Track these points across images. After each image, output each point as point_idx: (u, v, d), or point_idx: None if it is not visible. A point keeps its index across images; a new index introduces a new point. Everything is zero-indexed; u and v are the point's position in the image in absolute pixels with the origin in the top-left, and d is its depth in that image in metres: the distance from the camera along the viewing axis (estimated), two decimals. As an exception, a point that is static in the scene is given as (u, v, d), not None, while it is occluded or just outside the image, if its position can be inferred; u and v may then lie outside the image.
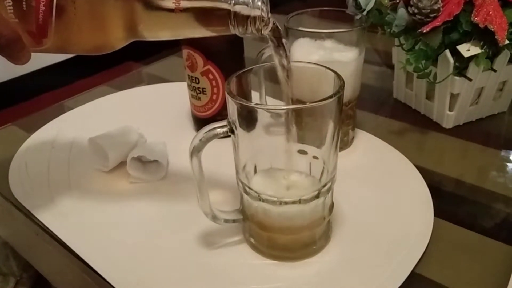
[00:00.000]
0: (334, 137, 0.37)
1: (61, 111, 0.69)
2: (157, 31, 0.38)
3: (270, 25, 0.36)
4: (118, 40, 0.37)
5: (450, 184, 0.51)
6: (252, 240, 0.42)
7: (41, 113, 0.69)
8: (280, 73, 0.38)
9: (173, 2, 0.35)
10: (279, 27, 0.37)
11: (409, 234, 0.43)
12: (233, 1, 0.35)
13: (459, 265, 0.40)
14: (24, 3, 0.34)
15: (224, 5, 0.35)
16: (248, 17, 0.35)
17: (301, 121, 0.37)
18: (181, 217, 0.46)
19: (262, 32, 0.36)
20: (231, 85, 0.36)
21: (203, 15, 0.36)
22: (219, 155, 0.41)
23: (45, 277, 0.56)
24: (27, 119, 0.69)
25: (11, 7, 0.34)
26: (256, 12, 0.35)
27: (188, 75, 0.56)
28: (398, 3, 0.55)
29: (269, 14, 0.36)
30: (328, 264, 0.40)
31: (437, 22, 0.51)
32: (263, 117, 0.36)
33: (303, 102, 0.38)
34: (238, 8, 0.35)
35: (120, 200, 0.49)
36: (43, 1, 0.34)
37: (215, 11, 0.35)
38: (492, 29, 0.50)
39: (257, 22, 0.35)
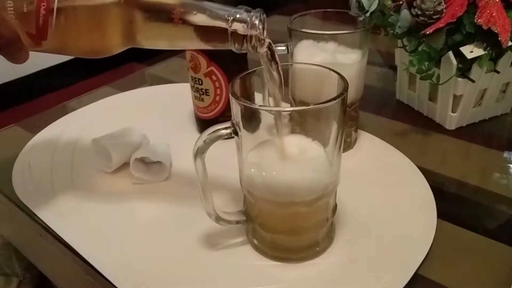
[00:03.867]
0: (337, 138, 0.37)
1: (65, 112, 0.69)
2: (155, 41, 0.38)
3: (266, 43, 0.36)
4: (116, 46, 0.38)
5: (453, 186, 0.51)
6: (255, 241, 0.42)
7: (44, 114, 0.70)
8: (272, 88, 0.39)
9: (172, 15, 0.35)
10: (272, 46, 0.37)
11: (412, 235, 0.43)
12: (231, 18, 0.35)
13: (462, 267, 0.40)
14: (24, 5, 0.35)
15: (223, 23, 0.35)
16: (245, 34, 0.35)
17: (305, 122, 0.37)
18: (184, 218, 0.46)
19: (257, 50, 0.37)
20: (235, 86, 0.36)
21: (201, 30, 0.36)
22: (223, 156, 0.41)
23: (48, 278, 0.56)
24: (30, 120, 0.69)
25: (12, 8, 0.35)
26: (253, 32, 0.35)
27: (191, 76, 0.56)
28: (401, 4, 0.55)
29: (265, 33, 0.36)
30: (331, 266, 0.40)
31: (440, 24, 0.51)
32: (266, 118, 0.36)
33: (307, 104, 0.38)
34: (236, 26, 0.35)
35: (123, 201, 0.49)
36: (44, 5, 0.35)
37: (213, 26, 0.36)
38: (496, 31, 0.50)
39: (253, 40, 0.36)
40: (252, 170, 0.38)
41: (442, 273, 0.39)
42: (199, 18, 0.36)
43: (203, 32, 0.36)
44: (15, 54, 0.36)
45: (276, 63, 0.38)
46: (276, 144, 0.38)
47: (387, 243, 0.42)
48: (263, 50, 0.37)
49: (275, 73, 0.38)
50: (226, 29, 0.35)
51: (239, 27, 0.35)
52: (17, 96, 2.07)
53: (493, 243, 0.42)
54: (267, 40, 0.36)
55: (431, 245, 0.41)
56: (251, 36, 0.35)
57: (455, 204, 0.48)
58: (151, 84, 0.78)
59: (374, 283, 0.38)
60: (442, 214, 0.45)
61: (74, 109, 0.69)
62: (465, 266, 0.40)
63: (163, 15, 0.36)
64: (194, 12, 0.35)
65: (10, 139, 0.64)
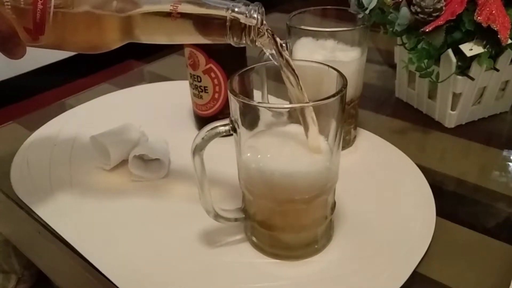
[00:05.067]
0: (336, 136, 0.37)
1: (63, 109, 0.69)
2: (153, 35, 0.38)
3: (266, 35, 0.36)
4: (114, 41, 0.38)
5: (452, 184, 0.51)
6: (253, 238, 0.42)
7: (43, 111, 0.70)
8: (288, 80, 0.38)
9: (170, 9, 0.35)
10: (274, 36, 0.37)
11: (411, 233, 0.43)
12: (229, 11, 0.35)
13: (461, 265, 0.40)
14: (22, 0, 0.34)
15: (221, 16, 0.35)
16: (243, 28, 0.35)
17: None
18: (183, 215, 0.46)
19: (256, 43, 0.36)
20: (233, 83, 0.36)
21: (199, 24, 0.36)
22: (221, 154, 0.41)
23: (47, 275, 0.56)
24: (29, 117, 0.69)
25: (9, 3, 0.35)
26: (252, 22, 0.35)
27: (190, 73, 0.56)
28: (401, 2, 0.54)
29: (264, 24, 0.36)
30: (329, 263, 0.40)
31: (439, 21, 0.51)
32: (265, 115, 0.36)
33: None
34: (234, 16, 0.35)
35: (122, 198, 0.49)
36: (41, 0, 0.34)
37: (211, 19, 0.36)
38: (495, 28, 0.50)
39: (252, 33, 0.36)
40: (249, 154, 0.38)
41: (441, 271, 0.39)
42: (198, 12, 0.35)
43: (202, 26, 0.36)
44: (13, 49, 0.36)
45: (282, 55, 0.37)
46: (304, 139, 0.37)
47: (386, 241, 0.42)
48: (265, 40, 0.36)
49: (285, 68, 0.38)
50: (225, 23, 0.35)
51: (238, 17, 0.35)
52: (15, 94, 2.07)
53: (491, 241, 0.42)
54: (266, 28, 0.36)
55: (430, 243, 0.41)
56: (249, 29, 0.35)
57: (454, 202, 0.48)
58: (150, 82, 0.78)
59: (373, 281, 0.38)
60: (441, 212, 0.45)
61: (73, 107, 0.69)
62: (463, 264, 0.40)
63: (161, 10, 0.35)
64: (192, 6, 0.35)
65: (9, 136, 0.64)
